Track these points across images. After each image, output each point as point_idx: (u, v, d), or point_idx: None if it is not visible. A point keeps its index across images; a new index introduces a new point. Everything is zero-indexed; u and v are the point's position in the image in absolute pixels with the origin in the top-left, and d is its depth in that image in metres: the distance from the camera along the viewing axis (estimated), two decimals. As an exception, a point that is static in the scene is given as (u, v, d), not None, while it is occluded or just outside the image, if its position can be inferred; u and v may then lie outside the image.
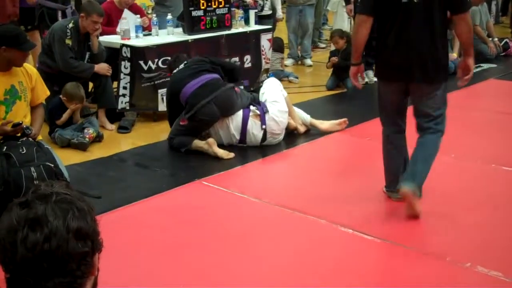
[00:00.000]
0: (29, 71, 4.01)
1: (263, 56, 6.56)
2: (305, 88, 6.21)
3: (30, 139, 3.85)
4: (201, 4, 5.88)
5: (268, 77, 6.74)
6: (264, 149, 4.79)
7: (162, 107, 5.56)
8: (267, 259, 3.11)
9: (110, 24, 6.07)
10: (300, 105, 5.88)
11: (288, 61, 8.11)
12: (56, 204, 1.17)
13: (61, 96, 5.09)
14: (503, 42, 9.13)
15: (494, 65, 8.28)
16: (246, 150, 4.77)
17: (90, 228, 1.20)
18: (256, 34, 6.51)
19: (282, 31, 8.42)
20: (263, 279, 2.92)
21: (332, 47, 7.33)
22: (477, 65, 8.18)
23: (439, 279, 2.89)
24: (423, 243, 3.22)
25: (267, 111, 4.75)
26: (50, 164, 3.74)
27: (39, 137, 4.14)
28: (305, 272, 2.98)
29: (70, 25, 5.29)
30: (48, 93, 4.30)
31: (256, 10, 7.00)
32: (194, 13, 5.85)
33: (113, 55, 5.56)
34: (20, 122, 3.81)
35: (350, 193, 4.07)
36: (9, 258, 1.15)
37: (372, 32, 7.69)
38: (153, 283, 2.89)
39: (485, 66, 8.24)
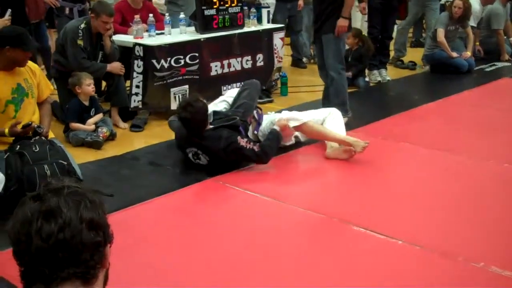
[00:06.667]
0: (32, 67, 4.06)
1: (275, 55, 6.55)
2: (318, 87, 6.21)
3: (43, 137, 3.89)
4: (213, 3, 5.89)
5: (280, 75, 6.75)
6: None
7: (174, 105, 5.57)
8: (279, 257, 3.10)
9: (124, 23, 6.10)
10: (312, 104, 5.88)
11: None
12: (68, 196, 1.20)
13: (69, 87, 5.13)
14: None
15: (508, 64, 8.22)
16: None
17: (102, 219, 1.23)
18: (269, 32, 6.50)
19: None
20: (275, 277, 2.92)
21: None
22: (491, 64, 8.15)
23: (452, 279, 2.87)
24: (435, 242, 3.20)
25: (261, 123, 4.70)
26: (63, 162, 3.78)
27: (51, 135, 4.17)
28: (316, 270, 2.97)
29: (82, 25, 5.32)
30: (52, 87, 4.36)
31: (269, 8, 6.99)
32: (206, 12, 5.86)
33: (126, 54, 5.58)
34: (30, 122, 3.85)
35: (363, 192, 4.06)
36: (24, 249, 1.17)
37: (385, 31, 7.73)
38: (166, 281, 2.89)
39: (499, 64, 8.18)
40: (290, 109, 5.28)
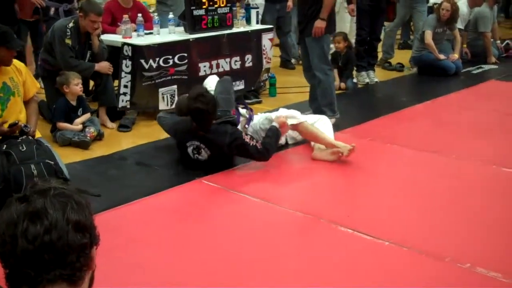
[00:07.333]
0: (17, 65, 4.04)
1: (264, 56, 6.56)
2: (306, 88, 6.22)
3: (30, 137, 3.87)
4: (202, 3, 5.87)
5: (269, 76, 6.76)
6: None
7: (163, 105, 5.57)
8: (267, 258, 3.10)
9: (114, 23, 6.07)
10: (300, 105, 5.89)
11: None
12: (54, 198, 1.19)
13: (57, 86, 5.10)
14: (504, 43, 9.14)
15: (494, 66, 8.29)
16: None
17: (88, 221, 1.22)
18: (258, 33, 6.50)
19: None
20: (263, 277, 2.92)
21: (332, 49, 7.31)
22: (478, 66, 8.21)
23: (438, 280, 2.88)
24: (422, 243, 3.22)
25: (252, 119, 4.76)
26: (50, 162, 3.76)
27: (38, 134, 4.15)
28: (303, 271, 2.98)
29: (71, 24, 5.29)
30: (38, 85, 4.34)
31: (258, 9, 6.99)
32: (195, 12, 5.85)
33: (114, 53, 5.56)
34: (17, 121, 3.83)
35: (351, 193, 4.08)
36: (9, 251, 1.16)
37: (373, 33, 7.77)
38: (154, 282, 2.88)
39: (486, 67, 8.25)
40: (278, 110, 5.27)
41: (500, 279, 2.86)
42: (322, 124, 4.82)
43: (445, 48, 7.91)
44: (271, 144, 4.38)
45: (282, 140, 4.77)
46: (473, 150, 4.77)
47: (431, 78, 7.52)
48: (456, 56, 7.83)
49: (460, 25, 8.11)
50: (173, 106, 5.48)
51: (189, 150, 4.39)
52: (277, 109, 4.96)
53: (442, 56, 7.65)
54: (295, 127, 4.67)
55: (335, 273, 2.97)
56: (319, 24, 5.27)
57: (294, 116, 4.66)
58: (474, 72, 7.98)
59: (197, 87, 4.60)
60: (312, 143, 4.73)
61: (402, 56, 8.60)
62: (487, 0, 8.53)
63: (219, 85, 4.95)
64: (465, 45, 8.53)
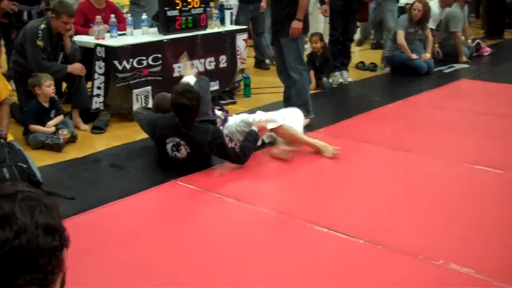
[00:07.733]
0: None
1: (238, 57, 6.57)
2: (280, 88, 6.24)
3: (2, 140, 3.82)
4: (176, 4, 5.85)
5: (243, 77, 6.77)
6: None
7: (137, 107, 5.53)
8: (243, 258, 3.11)
9: (87, 24, 6.02)
10: (275, 105, 5.91)
11: None
12: (22, 201, 1.18)
13: (28, 88, 5.03)
14: (475, 43, 9.29)
15: (465, 66, 8.41)
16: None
17: (58, 223, 1.21)
18: (232, 34, 6.50)
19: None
20: (239, 277, 2.93)
21: (308, 50, 7.35)
22: (450, 65, 8.33)
23: (412, 277, 2.92)
24: (396, 241, 3.25)
25: (227, 121, 4.77)
26: (23, 165, 3.72)
27: (10, 137, 4.09)
28: (279, 271, 2.99)
29: (42, 26, 5.23)
30: (10, 88, 4.27)
31: (232, 10, 6.99)
32: (169, 13, 5.82)
33: (87, 54, 5.51)
34: None
35: (326, 192, 4.10)
36: None
37: (346, 33, 7.83)
38: (128, 284, 2.87)
39: (458, 66, 8.37)
40: (253, 110, 5.28)
41: (473, 274, 2.90)
42: (293, 120, 4.84)
43: (417, 48, 8.01)
44: (249, 148, 4.40)
45: (258, 142, 4.78)
46: (445, 148, 4.84)
47: (403, 77, 7.61)
48: (428, 55, 7.93)
49: (431, 25, 8.22)
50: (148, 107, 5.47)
51: (168, 146, 4.37)
52: (253, 111, 4.97)
53: (414, 56, 7.74)
54: (274, 130, 4.69)
55: (311, 272, 2.99)
56: (296, 25, 5.30)
57: (274, 120, 4.68)
58: (446, 71, 8.10)
59: (182, 84, 4.62)
60: (279, 140, 4.74)
61: (375, 56, 8.68)
62: (458, 0, 8.66)
63: (196, 85, 4.94)
64: (437, 45, 8.64)
